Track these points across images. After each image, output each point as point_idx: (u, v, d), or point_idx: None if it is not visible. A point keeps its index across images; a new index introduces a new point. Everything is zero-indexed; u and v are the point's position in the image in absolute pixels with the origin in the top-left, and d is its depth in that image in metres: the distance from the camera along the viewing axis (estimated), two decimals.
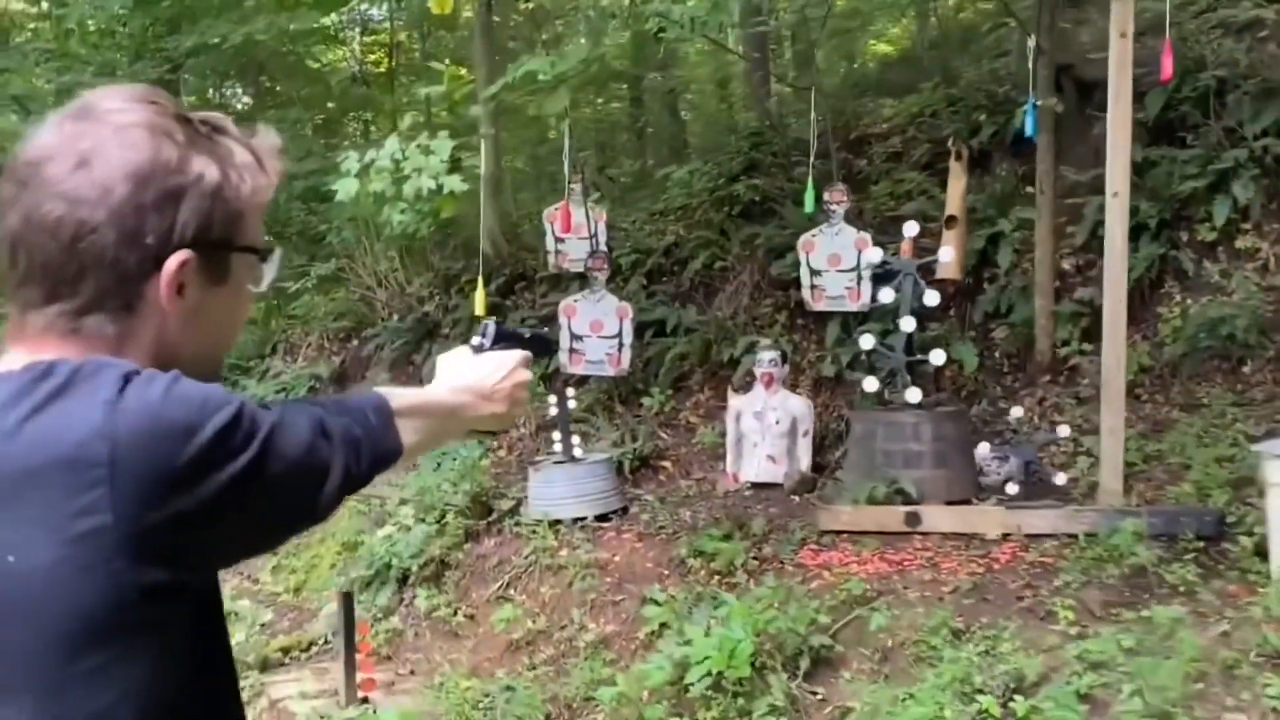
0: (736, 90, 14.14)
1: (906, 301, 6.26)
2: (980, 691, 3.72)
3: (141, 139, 1.05)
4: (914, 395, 6.16)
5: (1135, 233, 6.95)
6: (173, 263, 1.05)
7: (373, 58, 15.04)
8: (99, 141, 1.04)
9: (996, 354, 7.75)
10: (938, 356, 6.37)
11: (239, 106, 13.62)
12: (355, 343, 10.26)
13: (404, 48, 15.01)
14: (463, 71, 8.51)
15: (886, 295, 6.31)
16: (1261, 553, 4.37)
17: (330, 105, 14.14)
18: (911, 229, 6.29)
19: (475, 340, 1.47)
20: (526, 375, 1.46)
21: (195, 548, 0.99)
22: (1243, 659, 3.63)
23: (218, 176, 1.08)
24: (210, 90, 13.33)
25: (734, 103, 13.85)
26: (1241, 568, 4.40)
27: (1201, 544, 4.64)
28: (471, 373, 1.42)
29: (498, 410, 1.41)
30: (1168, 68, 5.60)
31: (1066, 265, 7.93)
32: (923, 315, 6.67)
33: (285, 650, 6.24)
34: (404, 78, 14.13)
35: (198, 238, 1.06)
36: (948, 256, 6.52)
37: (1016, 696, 3.69)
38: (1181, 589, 4.33)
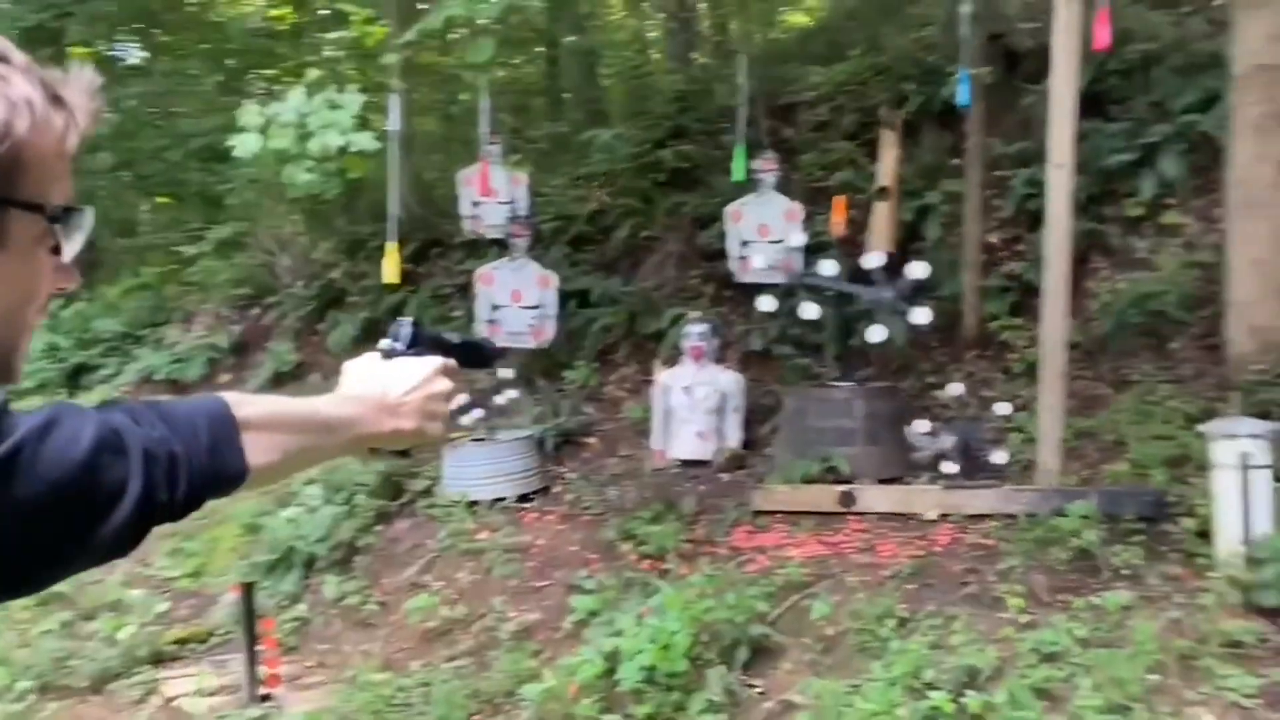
0: (655, 54, 13.75)
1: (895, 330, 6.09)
2: (931, 686, 3.54)
3: None
4: (811, 311, 6.13)
5: None
6: None
7: (275, 13, 14.26)
8: None
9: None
10: (877, 333, 6.13)
11: (132, 60, 12.78)
12: (256, 311, 9.67)
13: (309, 3, 14.27)
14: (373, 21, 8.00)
15: (878, 334, 6.05)
16: (1204, 534, 4.28)
17: (230, 63, 13.34)
18: (922, 269, 6.07)
19: (385, 343, 1.26)
20: (444, 386, 1.24)
21: None
22: (1199, 649, 3.51)
23: None
24: (98, 41, 12.46)
25: (653, 68, 13.49)
26: (1185, 549, 4.31)
27: (1142, 525, 4.54)
28: (372, 381, 1.20)
29: (403, 426, 1.19)
30: (1103, 36, 5.45)
31: (993, 239, 7.84)
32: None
33: (182, 642, 5.79)
34: (310, 36, 13.41)
35: None
36: (921, 272, 6.21)
37: (969, 691, 3.52)
38: (1127, 573, 4.22)
